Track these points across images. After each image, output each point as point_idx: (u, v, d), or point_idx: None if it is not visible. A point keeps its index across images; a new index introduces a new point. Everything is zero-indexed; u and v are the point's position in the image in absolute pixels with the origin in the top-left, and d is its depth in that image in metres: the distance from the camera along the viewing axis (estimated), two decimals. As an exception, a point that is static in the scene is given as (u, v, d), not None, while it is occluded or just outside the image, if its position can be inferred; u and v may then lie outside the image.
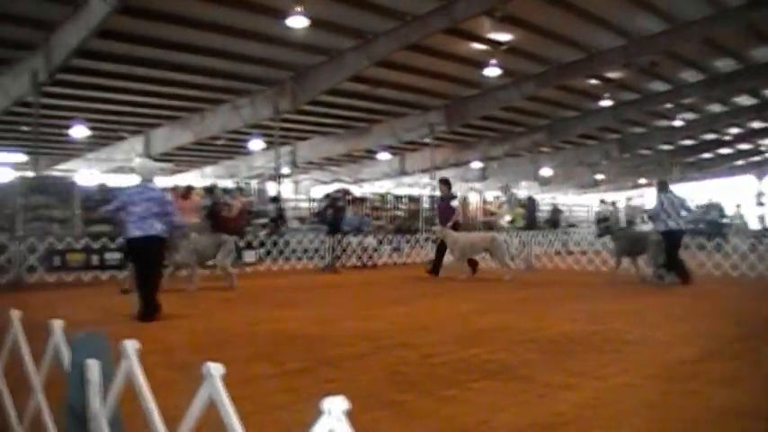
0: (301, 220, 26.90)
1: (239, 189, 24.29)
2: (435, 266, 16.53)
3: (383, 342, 7.52)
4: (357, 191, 34.80)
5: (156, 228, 9.45)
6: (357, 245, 20.27)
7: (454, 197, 17.27)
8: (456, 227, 16.38)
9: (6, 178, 21.25)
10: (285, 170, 35.24)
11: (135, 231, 9.36)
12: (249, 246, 18.50)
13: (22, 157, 30.41)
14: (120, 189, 9.85)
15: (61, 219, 17.71)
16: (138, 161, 10.16)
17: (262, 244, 19.60)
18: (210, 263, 13.92)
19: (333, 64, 23.82)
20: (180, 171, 41.37)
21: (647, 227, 18.25)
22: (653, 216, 14.36)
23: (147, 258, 9.57)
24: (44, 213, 17.52)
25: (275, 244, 19.85)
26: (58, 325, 2.19)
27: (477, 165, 44.19)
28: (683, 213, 14.07)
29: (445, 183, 17.21)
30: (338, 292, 13.60)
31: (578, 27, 21.74)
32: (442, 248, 16.33)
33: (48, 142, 29.03)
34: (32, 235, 16.09)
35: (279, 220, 23.19)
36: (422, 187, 34.75)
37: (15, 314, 2.62)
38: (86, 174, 32.72)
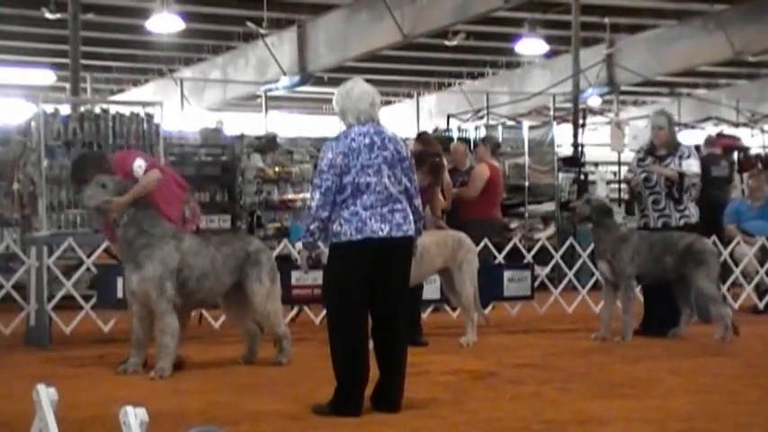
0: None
1: (485, 138, 17.97)
2: None
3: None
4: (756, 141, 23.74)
5: (409, 219, 6.00)
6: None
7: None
8: None
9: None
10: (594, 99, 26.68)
11: (375, 225, 5.82)
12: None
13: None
14: (335, 138, 6.16)
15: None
16: (349, 86, 6.44)
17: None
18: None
19: None
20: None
21: None
22: None
23: (389, 282, 5.94)
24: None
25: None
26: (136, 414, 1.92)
27: None
28: None
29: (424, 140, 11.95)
30: (718, 362, 8.36)
31: None
32: None
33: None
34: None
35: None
36: None
37: (43, 392, 2.00)
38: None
